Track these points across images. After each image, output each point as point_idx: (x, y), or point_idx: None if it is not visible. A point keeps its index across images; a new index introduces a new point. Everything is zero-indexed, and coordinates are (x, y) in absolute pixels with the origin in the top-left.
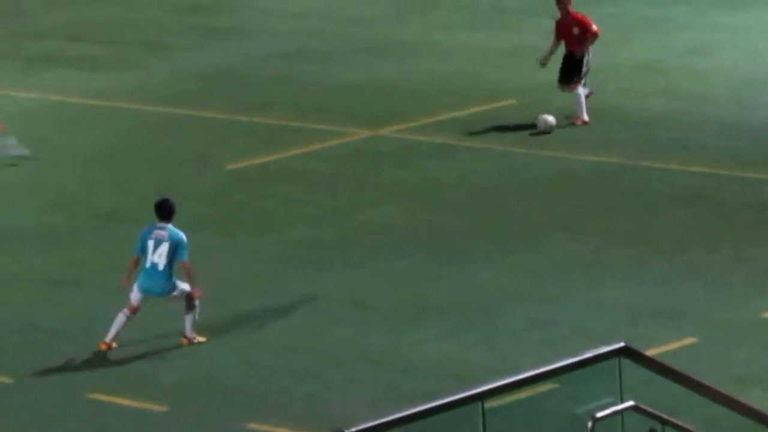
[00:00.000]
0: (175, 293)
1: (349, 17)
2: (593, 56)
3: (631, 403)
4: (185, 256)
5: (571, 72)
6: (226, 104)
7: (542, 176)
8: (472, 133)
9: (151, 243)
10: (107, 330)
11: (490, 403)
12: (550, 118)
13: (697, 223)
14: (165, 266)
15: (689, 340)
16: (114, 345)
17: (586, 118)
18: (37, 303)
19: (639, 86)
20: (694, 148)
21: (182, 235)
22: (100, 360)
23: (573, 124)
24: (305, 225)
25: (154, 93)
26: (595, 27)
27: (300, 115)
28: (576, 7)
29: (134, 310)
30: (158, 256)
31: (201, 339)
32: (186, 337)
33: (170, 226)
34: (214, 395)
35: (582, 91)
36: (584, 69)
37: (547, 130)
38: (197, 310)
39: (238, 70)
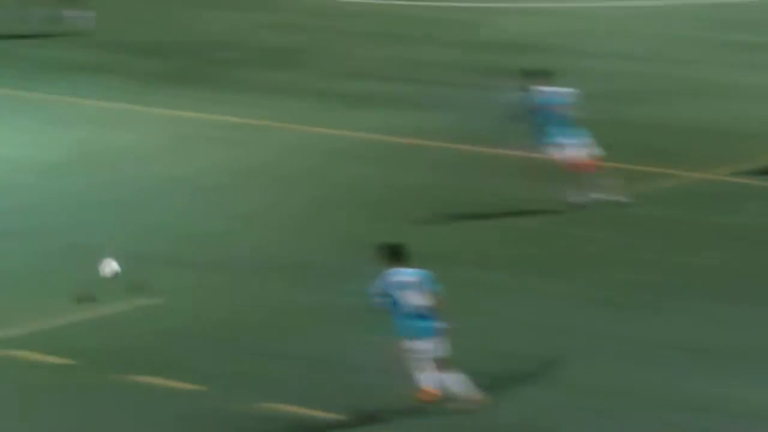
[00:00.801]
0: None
1: (673, 59)
2: None
3: None
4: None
5: None
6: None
7: None
8: None
9: (404, 290)
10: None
11: None
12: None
13: None
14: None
15: None
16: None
17: None
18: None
19: None
20: None
21: (426, 272)
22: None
23: None
24: (632, 268)
25: (463, 132)
26: None
27: (628, 157)
28: None
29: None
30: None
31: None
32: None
33: (409, 270)
34: None
35: None
36: None
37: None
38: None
39: None
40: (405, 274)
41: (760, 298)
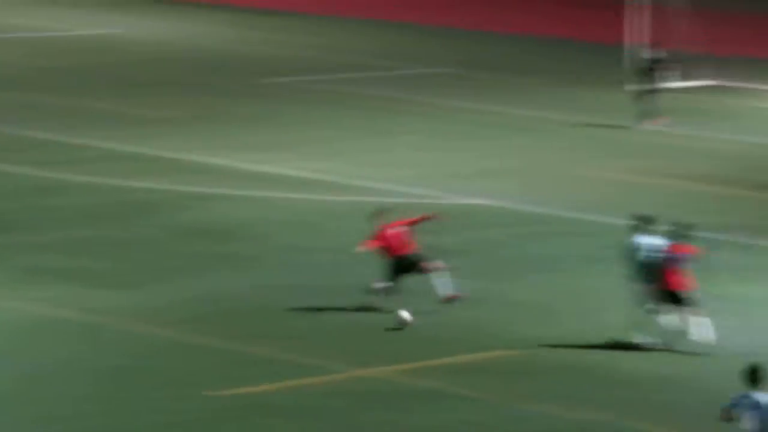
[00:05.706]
0: None
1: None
2: None
3: None
4: None
5: None
6: (228, 332)
7: None
8: None
9: None
10: None
11: None
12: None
13: None
14: None
15: None
16: None
17: None
18: None
19: None
20: None
21: None
22: None
23: None
24: None
25: (156, 316)
26: None
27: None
28: None
29: None
30: None
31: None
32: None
33: None
34: None
35: None
36: None
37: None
38: None
39: (245, 299)
40: None
41: None
